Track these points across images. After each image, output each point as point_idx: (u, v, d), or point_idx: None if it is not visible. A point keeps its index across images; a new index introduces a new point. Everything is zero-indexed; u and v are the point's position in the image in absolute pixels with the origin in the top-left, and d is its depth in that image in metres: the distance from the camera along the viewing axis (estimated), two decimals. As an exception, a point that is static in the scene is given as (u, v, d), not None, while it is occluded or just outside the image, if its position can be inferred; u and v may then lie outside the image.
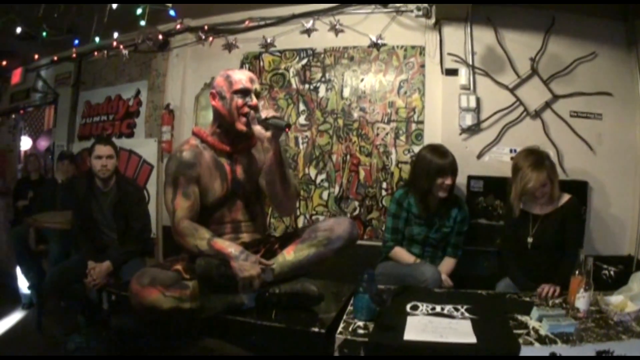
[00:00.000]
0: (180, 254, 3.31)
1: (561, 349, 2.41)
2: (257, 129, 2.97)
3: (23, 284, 6.20)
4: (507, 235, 4.08)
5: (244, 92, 3.12)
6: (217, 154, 3.26)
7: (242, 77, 3.17)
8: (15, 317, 5.95)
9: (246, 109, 3.10)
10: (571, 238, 3.74)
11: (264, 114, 2.97)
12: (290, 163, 5.18)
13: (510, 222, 4.02)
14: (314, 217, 5.13)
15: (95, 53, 6.35)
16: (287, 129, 2.93)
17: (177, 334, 3.12)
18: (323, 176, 5.17)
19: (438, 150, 4.10)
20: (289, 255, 3.06)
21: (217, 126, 3.27)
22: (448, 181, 3.97)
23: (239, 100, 3.11)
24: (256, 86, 3.18)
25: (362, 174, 5.05)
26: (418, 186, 4.09)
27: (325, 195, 5.16)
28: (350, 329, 2.69)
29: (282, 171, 3.04)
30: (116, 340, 3.68)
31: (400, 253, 4.13)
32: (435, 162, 3.99)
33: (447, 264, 4.14)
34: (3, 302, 6.27)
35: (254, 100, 3.11)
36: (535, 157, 3.77)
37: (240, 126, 3.12)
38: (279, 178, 3.06)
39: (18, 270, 6.12)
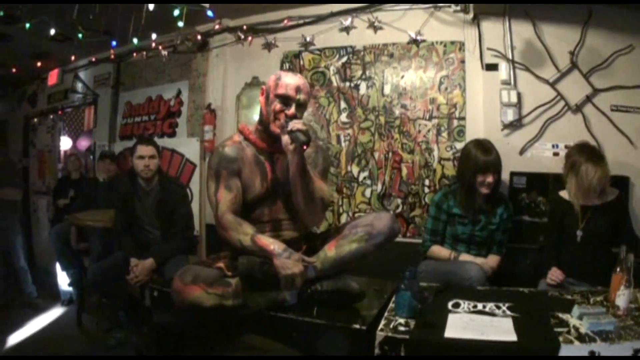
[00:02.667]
0: (222, 252, 3.40)
1: (600, 347, 2.43)
2: (285, 138, 3.02)
3: (63, 281, 6.50)
4: (551, 232, 4.12)
5: (285, 99, 3.16)
6: (259, 152, 3.34)
7: (289, 82, 3.19)
8: (54, 313, 6.27)
9: (282, 116, 3.14)
10: (626, 236, 3.76)
11: (291, 124, 3.01)
12: (332, 161, 5.30)
13: (557, 217, 4.07)
14: (356, 215, 5.26)
15: (134, 54, 6.57)
16: (305, 146, 2.96)
17: (218, 330, 3.25)
18: (365, 174, 5.31)
19: (482, 145, 4.15)
20: (330, 251, 3.14)
21: (259, 123, 3.35)
22: (489, 179, 4.02)
23: (277, 105, 3.16)
24: (301, 97, 3.19)
25: (404, 171, 5.16)
26: (463, 181, 4.18)
27: (367, 192, 5.31)
28: (391, 326, 2.74)
29: (303, 185, 3.09)
30: (157, 336, 3.81)
31: (438, 250, 4.23)
32: (477, 158, 4.06)
33: (492, 260, 4.17)
34: (43, 299, 6.62)
35: (291, 110, 3.14)
36: (593, 152, 3.87)
37: (275, 128, 3.18)
38: (300, 191, 3.11)
39: (58, 267, 6.42)
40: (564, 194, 4.07)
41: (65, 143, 9.12)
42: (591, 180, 3.73)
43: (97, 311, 5.93)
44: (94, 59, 7.41)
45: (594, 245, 3.85)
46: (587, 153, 3.84)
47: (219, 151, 3.34)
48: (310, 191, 3.12)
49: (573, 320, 2.75)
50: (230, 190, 3.23)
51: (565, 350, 2.43)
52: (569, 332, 2.59)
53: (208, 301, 2.94)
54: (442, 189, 4.54)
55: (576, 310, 2.80)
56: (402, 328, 2.71)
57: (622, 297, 2.89)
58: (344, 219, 5.34)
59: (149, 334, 4.50)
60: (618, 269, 2.97)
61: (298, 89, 3.19)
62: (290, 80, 3.21)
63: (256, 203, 3.32)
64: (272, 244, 3.02)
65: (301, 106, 3.24)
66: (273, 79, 3.26)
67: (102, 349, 5.09)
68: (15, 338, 5.50)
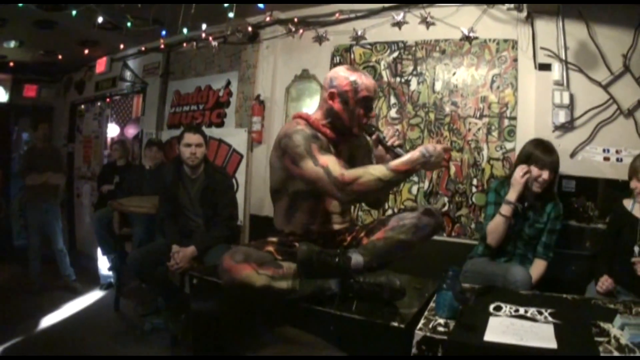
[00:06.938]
0: (268, 237, 3.46)
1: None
2: (379, 149, 3.20)
3: (103, 266, 6.88)
4: (607, 239, 4.14)
5: (369, 101, 3.26)
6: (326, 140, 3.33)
7: (368, 85, 3.24)
8: (93, 296, 6.67)
9: (365, 120, 3.26)
10: None
11: (390, 139, 3.16)
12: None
13: (616, 226, 4.08)
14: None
15: (184, 44, 6.77)
16: None
17: (255, 320, 3.32)
18: (413, 170, 5.42)
19: (543, 144, 4.22)
20: (379, 241, 3.20)
21: (329, 122, 3.32)
22: (545, 175, 4.06)
23: (361, 110, 3.23)
24: (376, 95, 3.39)
25: (452, 169, 5.22)
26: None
27: (414, 189, 5.40)
28: (430, 325, 2.76)
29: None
30: (194, 323, 3.89)
31: (494, 221, 4.13)
32: (535, 154, 4.12)
33: (538, 267, 4.19)
34: (83, 282, 6.99)
35: (374, 112, 3.27)
36: None
37: (356, 131, 3.29)
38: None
39: (98, 252, 6.80)
40: (627, 203, 4.06)
41: (113, 130, 9.42)
42: None
43: (136, 296, 6.26)
44: (143, 48, 7.70)
45: None
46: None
47: (300, 130, 3.20)
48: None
49: (614, 330, 2.73)
50: (330, 154, 3.15)
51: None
52: (609, 342, 2.58)
53: (258, 281, 2.98)
54: (498, 178, 4.64)
55: (618, 320, 2.80)
56: (441, 328, 2.74)
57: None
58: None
59: (185, 321, 4.74)
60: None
61: (376, 89, 3.34)
62: (368, 82, 3.26)
63: (312, 190, 3.23)
64: (408, 155, 3.02)
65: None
66: (346, 82, 3.24)
67: (138, 333, 5.37)
68: (52, 319, 5.83)
